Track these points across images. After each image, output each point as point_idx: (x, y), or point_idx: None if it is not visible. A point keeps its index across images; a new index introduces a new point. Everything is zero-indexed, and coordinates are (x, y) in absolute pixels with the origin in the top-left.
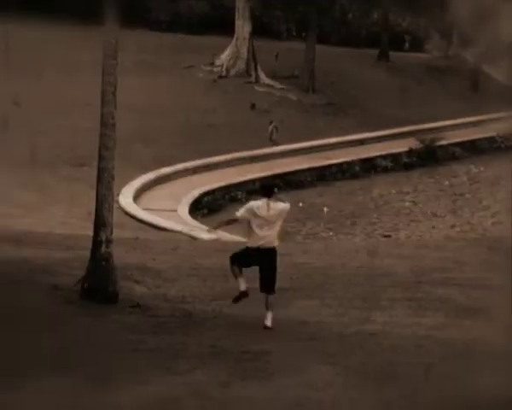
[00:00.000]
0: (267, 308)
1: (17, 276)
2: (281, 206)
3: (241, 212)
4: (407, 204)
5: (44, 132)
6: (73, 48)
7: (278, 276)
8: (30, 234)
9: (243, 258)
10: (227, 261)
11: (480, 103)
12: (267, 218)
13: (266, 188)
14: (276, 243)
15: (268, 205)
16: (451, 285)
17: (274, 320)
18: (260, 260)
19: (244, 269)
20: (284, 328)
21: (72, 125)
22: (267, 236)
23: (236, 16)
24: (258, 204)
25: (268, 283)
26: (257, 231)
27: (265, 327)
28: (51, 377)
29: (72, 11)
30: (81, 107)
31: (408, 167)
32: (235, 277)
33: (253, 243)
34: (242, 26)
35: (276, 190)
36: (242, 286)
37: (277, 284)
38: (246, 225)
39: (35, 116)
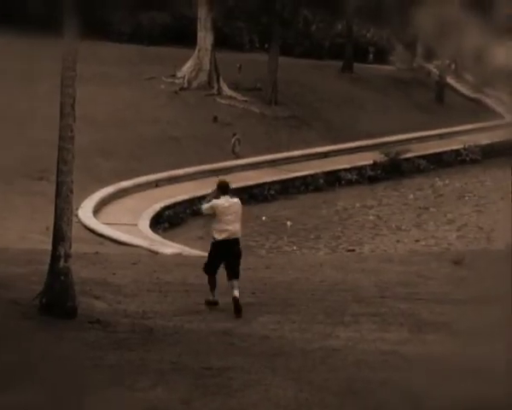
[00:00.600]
0: (233, 288)
1: None
2: (236, 200)
3: (205, 206)
4: (371, 218)
5: (2, 145)
6: (32, 59)
7: (241, 290)
8: None
9: (214, 259)
10: (188, 276)
11: (446, 116)
12: (230, 212)
13: (223, 187)
14: (239, 235)
15: (228, 201)
16: (416, 300)
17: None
18: (227, 250)
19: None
20: (247, 344)
21: (30, 138)
22: (232, 228)
23: (198, 27)
24: (220, 202)
25: (235, 269)
26: (223, 224)
27: (235, 298)
28: (9, 393)
29: (32, 21)
30: (40, 119)
31: (372, 180)
32: (211, 289)
33: (220, 237)
34: (204, 38)
35: (230, 187)
36: (215, 297)
37: (240, 299)
38: (212, 222)
39: None
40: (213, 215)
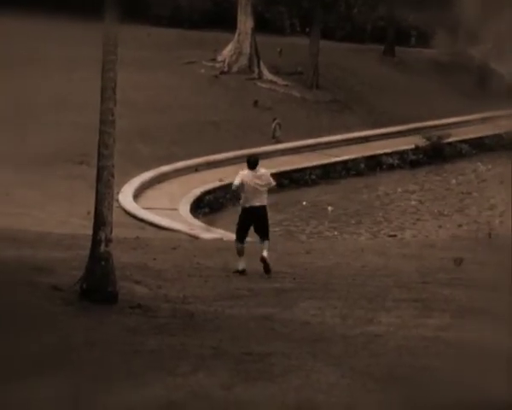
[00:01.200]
0: (263, 249)
1: (16, 276)
2: (264, 171)
3: (234, 182)
4: (413, 203)
5: (44, 130)
6: (72, 43)
7: (281, 275)
8: (29, 233)
9: (242, 224)
10: (229, 261)
11: (488, 100)
12: (255, 185)
13: (251, 161)
14: (265, 202)
15: (253, 173)
16: (457, 285)
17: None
18: (253, 216)
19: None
20: (288, 329)
21: (71, 123)
22: (257, 197)
23: (239, 11)
24: (245, 173)
25: (264, 231)
26: (248, 194)
27: (262, 258)
28: (50, 378)
29: (72, 6)
30: (81, 104)
31: (414, 165)
32: (239, 255)
33: (247, 204)
34: (245, 22)
35: (258, 162)
36: (241, 266)
37: (280, 285)
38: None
39: (34, 113)
40: (242, 186)
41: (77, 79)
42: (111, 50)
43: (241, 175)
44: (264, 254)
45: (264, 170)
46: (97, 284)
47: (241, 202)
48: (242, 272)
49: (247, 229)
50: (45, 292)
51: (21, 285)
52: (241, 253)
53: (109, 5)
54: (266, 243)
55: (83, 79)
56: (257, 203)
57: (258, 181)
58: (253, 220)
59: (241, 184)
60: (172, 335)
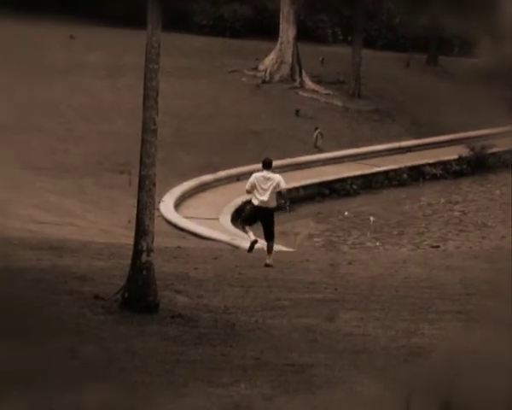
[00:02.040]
0: (268, 252)
1: (58, 285)
2: (276, 175)
3: (246, 187)
4: (456, 213)
5: (85, 139)
6: (115, 51)
7: (323, 286)
8: (70, 242)
9: (249, 217)
10: (270, 271)
11: None
12: (264, 184)
13: (265, 162)
14: (270, 205)
15: (265, 175)
16: (502, 298)
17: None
18: (260, 215)
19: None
20: (330, 341)
21: (113, 131)
22: (264, 198)
23: (281, 20)
24: (258, 174)
25: (268, 232)
26: (257, 194)
27: (266, 265)
28: (92, 388)
29: (114, 14)
30: (122, 112)
31: (457, 175)
32: (245, 232)
33: (255, 203)
34: (287, 30)
35: (272, 165)
36: (252, 236)
37: (322, 296)
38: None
39: (76, 122)
40: (252, 186)
41: (120, 87)
42: (153, 59)
43: (253, 176)
44: (267, 261)
45: (276, 175)
46: (139, 293)
47: (252, 199)
48: (255, 242)
49: (252, 223)
50: (87, 301)
51: (63, 294)
52: (246, 230)
53: (152, 14)
54: (270, 244)
55: (126, 88)
56: (262, 205)
57: (264, 184)
58: (259, 218)
59: (253, 184)
60: (213, 345)
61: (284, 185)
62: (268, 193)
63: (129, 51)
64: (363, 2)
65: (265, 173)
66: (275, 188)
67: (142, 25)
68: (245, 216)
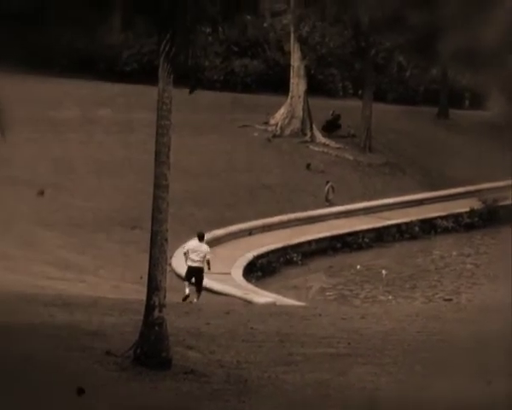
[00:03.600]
0: (197, 297)
1: (70, 341)
2: (204, 246)
3: (183, 251)
4: (469, 266)
5: (97, 194)
6: (126, 107)
7: (336, 340)
8: (82, 298)
9: (187, 275)
10: (283, 325)
11: None
12: (195, 252)
13: (199, 235)
14: (201, 266)
15: (196, 245)
16: None
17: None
18: (193, 274)
19: None
20: (343, 395)
21: (124, 187)
22: (195, 262)
23: (291, 74)
24: (191, 243)
25: (198, 287)
26: (190, 258)
27: (190, 301)
28: None
29: (125, 70)
30: (133, 167)
31: (469, 228)
32: (187, 286)
33: (188, 264)
34: (297, 85)
35: (204, 238)
36: (187, 291)
37: (335, 350)
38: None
39: (87, 177)
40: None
41: (132, 142)
42: (165, 115)
43: (188, 244)
44: (194, 300)
45: (205, 246)
46: (151, 349)
47: (187, 261)
48: (187, 296)
49: (190, 279)
50: (99, 357)
51: (75, 351)
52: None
53: (163, 70)
54: (199, 294)
55: (138, 143)
56: (193, 266)
57: (194, 252)
58: (193, 275)
59: (186, 251)
60: (227, 401)
61: (209, 256)
62: (199, 258)
63: (141, 107)
64: (373, 55)
65: (197, 245)
66: (203, 256)
67: (154, 81)
68: (185, 274)
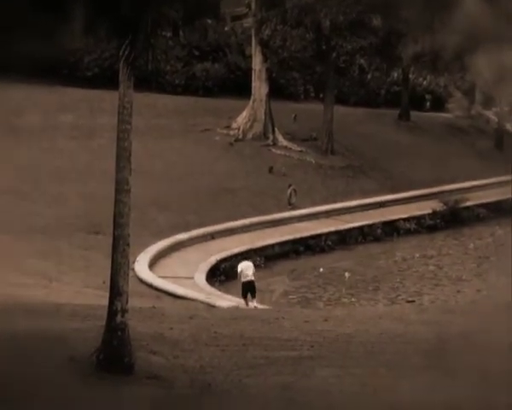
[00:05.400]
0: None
1: (32, 347)
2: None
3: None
4: (431, 268)
5: (59, 200)
6: (88, 112)
7: (299, 343)
8: (45, 304)
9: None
10: (246, 329)
11: (505, 163)
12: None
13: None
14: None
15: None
16: (479, 352)
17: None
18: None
19: None
20: (307, 398)
21: (87, 192)
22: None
23: (253, 78)
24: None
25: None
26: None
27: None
28: None
29: (86, 75)
30: (96, 173)
31: (432, 230)
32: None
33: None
34: (259, 88)
35: None
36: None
37: (298, 353)
38: None
39: (50, 183)
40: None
41: (94, 147)
42: (126, 120)
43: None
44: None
45: (250, 263)
46: (114, 354)
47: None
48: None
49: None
50: (62, 363)
51: (38, 357)
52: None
53: (124, 74)
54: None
55: (100, 148)
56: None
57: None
58: None
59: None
60: (190, 406)
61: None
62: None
63: (103, 112)
64: (335, 58)
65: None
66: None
67: (115, 86)
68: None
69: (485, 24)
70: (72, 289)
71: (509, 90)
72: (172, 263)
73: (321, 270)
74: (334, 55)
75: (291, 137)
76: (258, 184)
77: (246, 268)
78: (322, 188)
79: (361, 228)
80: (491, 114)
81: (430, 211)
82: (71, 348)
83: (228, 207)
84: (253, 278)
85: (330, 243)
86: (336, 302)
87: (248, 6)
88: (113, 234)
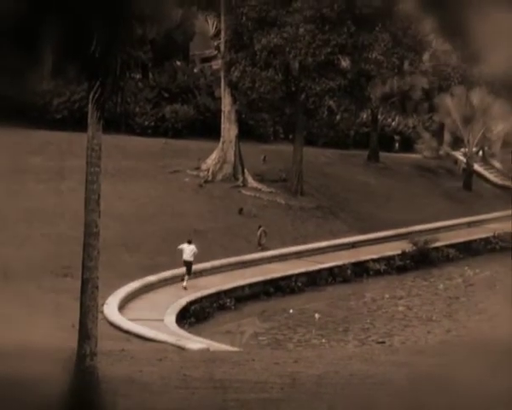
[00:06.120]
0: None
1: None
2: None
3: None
4: (401, 309)
5: (27, 242)
6: (57, 155)
7: (269, 385)
8: (12, 347)
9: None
10: (216, 371)
11: (474, 204)
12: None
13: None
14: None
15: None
16: (450, 392)
17: None
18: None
19: None
20: None
21: (55, 235)
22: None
23: (222, 119)
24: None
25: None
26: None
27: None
28: None
29: (55, 117)
30: (65, 215)
31: (401, 270)
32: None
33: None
34: (228, 130)
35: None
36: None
37: (268, 395)
38: None
39: (18, 226)
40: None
41: (63, 189)
42: (95, 162)
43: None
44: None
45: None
46: (83, 398)
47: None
48: None
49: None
50: (29, 408)
51: (5, 401)
52: None
53: (92, 117)
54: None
55: (69, 190)
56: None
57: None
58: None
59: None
60: None
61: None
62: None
63: (72, 154)
64: (304, 100)
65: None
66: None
67: (85, 128)
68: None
69: (453, 66)
70: (40, 332)
71: (476, 131)
72: (142, 305)
73: (291, 311)
74: (303, 96)
75: (261, 178)
76: (228, 225)
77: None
78: (292, 229)
79: (331, 269)
80: (459, 155)
81: (400, 252)
82: (39, 392)
83: (198, 249)
84: (191, 259)
85: (300, 284)
86: (306, 344)
87: (217, 48)
88: (82, 277)
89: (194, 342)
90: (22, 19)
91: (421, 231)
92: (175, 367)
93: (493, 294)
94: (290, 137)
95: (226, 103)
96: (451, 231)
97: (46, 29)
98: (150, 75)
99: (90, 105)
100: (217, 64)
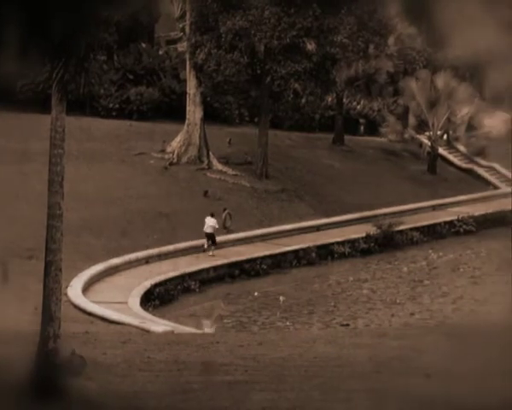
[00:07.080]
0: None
1: None
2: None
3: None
4: (365, 292)
5: None
6: (21, 137)
7: (233, 368)
8: None
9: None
10: (180, 354)
11: (438, 187)
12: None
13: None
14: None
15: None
16: (412, 374)
17: None
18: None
19: None
20: None
21: (20, 217)
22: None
23: (187, 102)
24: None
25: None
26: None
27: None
28: None
29: (19, 99)
30: (29, 197)
31: (366, 253)
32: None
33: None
34: (193, 112)
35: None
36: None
37: (233, 377)
38: None
39: None
40: None
41: (27, 171)
42: (58, 144)
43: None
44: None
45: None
46: (46, 380)
47: None
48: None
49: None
50: None
51: None
52: None
53: (56, 98)
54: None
55: (33, 172)
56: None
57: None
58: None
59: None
60: None
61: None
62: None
63: (36, 136)
64: (269, 83)
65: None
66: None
67: (49, 110)
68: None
69: (417, 49)
70: (4, 314)
71: (441, 114)
72: (106, 288)
73: (256, 294)
74: (268, 79)
75: (226, 161)
76: (193, 208)
77: (208, 221)
78: (257, 212)
79: (296, 252)
80: (424, 138)
81: (364, 235)
82: (2, 374)
83: (163, 232)
84: (212, 231)
85: (265, 266)
86: (271, 326)
87: (182, 30)
88: (45, 259)
89: (159, 325)
90: None
91: (385, 215)
92: (139, 350)
93: (457, 277)
94: (255, 120)
95: (191, 86)
96: (416, 214)
97: (8, 10)
98: (115, 57)
99: (53, 86)
100: (182, 46)
